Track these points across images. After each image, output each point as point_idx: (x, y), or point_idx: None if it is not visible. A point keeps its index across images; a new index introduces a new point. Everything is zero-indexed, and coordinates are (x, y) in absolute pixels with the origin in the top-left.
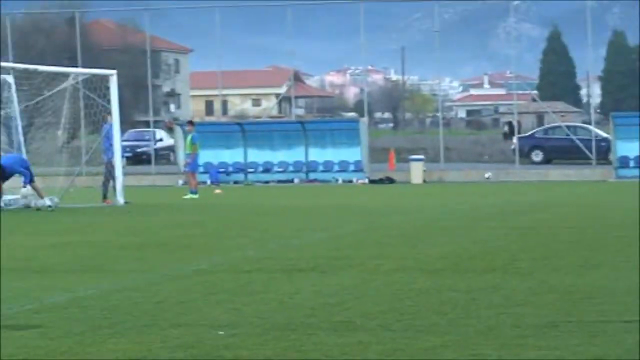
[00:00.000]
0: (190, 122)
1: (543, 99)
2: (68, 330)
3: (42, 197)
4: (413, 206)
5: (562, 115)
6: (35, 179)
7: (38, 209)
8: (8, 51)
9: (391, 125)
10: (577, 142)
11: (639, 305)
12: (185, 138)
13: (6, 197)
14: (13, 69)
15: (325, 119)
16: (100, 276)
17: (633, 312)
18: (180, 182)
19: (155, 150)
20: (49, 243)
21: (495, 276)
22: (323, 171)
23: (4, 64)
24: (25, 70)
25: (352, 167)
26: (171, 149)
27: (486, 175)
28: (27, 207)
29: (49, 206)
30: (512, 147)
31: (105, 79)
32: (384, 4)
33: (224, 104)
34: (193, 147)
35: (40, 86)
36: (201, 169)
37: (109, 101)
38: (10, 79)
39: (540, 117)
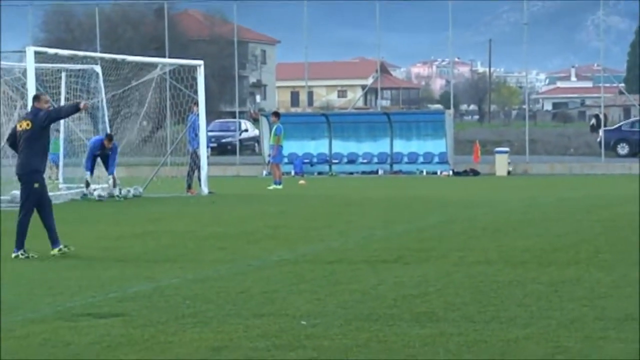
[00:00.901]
0: (275, 113)
1: (630, 91)
2: (151, 318)
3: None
4: (497, 199)
5: None
6: (122, 168)
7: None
8: (96, 41)
9: (477, 117)
10: None
11: None
12: (270, 129)
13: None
14: (101, 59)
15: (411, 110)
16: (183, 266)
17: None
18: (265, 172)
19: (240, 140)
20: (133, 232)
21: (578, 269)
22: (407, 163)
23: (92, 54)
24: (113, 60)
25: (436, 159)
26: (256, 139)
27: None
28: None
29: (117, 196)
30: (598, 139)
31: (192, 69)
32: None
33: (310, 95)
34: (276, 139)
35: (128, 76)
36: (286, 160)
37: (195, 91)
38: (98, 68)
39: (627, 110)
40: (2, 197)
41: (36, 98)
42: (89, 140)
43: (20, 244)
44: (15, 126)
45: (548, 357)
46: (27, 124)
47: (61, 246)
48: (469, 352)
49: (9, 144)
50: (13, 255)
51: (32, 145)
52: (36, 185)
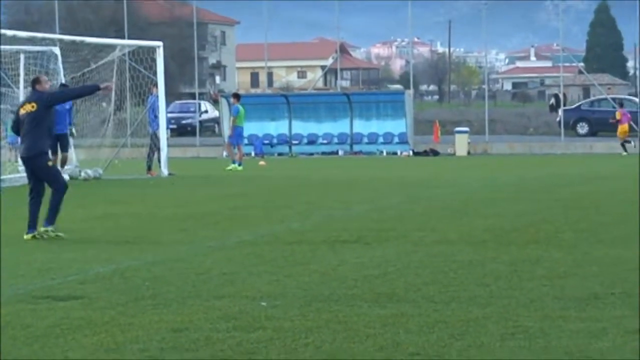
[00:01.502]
0: (235, 95)
1: (589, 71)
2: (111, 301)
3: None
4: (457, 179)
5: (609, 88)
6: (81, 150)
7: None
8: (55, 24)
9: (436, 97)
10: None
11: None
12: (229, 110)
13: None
14: (60, 40)
15: (371, 91)
16: (143, 247)
17: None
18: (225, 154)
19: (200, 122)
20: (93, 215)
21: (538, 248)
22: (367, 143)
23: (50, 35)
24: (72, 42)
25: (396, 140)
26: (216, 120)
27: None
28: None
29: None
30: (558, 119)
31: (151, 50)
32: None
33: (270, 76)
34: (235, 119)
35: (87, 58)
36: (246, 141)
37: (155, 73)
38: (56, 50)
39: (586, 90)
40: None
41: (36, 81)
42: None
43: (53, 219)
44: (18, 110)
45: (508, 336)
46: (32, 106)
47: (50, 228)
48: (430, 333)
49: (13, 131)
50: (42, 229)
51: (39, 127)
52: (51, 162)
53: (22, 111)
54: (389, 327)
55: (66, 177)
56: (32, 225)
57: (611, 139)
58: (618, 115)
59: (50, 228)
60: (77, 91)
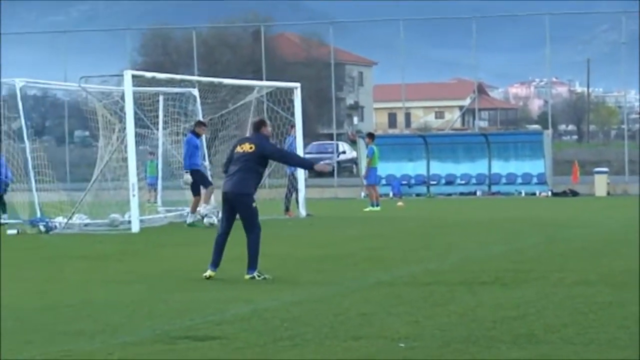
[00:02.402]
0: (370, 135)
1: None
2: (249, 341)
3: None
4: (596, 219)
5: None
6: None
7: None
8: (193, 64)
9: (575, 137)
10: None
11: None
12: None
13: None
14: (198, 82)
15: (509, 131)
16: (281, 288)
17: None
18: (363, 194)
19: (338, 162)
20: (232, 255)
21: None
22: (506, 184)
23: (189, 77)
24: (211, 83)
25: (535, 180)
26: (354, 161)
27: None
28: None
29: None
30: None
31: (289, 91)
32: (570, 16)
33: (407, 116)
34: (370, 160)
35: (225, 99)
36: (383, 182)
37: (292, 114)
38: (195, 92)
39: None
40: (100, 221)
41: (262, 123)
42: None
43: (255, 264)
44: (235, 147)
45: None
46: (251, 147)
47: (254, 274)
48: None
49: (224, 169)
50: (247, 276)
51: (251, 168)
52: (255, 205)
53: (239, 149)
54: None
55: (213, 219)
56: (215, 263)
57: None
58: None
59: (254, 274)
60: (295, 159)
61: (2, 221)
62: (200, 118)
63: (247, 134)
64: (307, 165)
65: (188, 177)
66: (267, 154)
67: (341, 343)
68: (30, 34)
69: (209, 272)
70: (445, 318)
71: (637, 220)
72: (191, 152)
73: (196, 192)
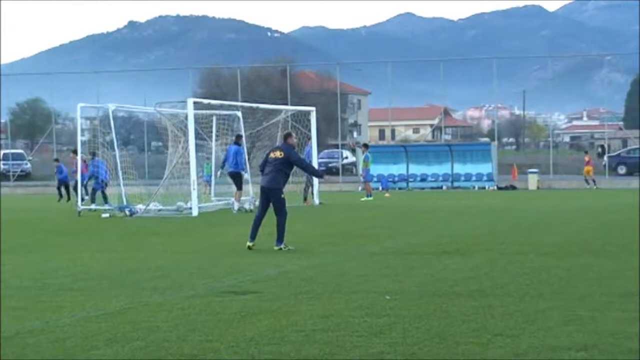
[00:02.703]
0: (365, 145)
1: (627, 128)
2: (277, 295)
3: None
4: (530, 206)
5: None
6: (254, 186)
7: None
8: (238, 93)
9: (514, 147)
10: None
11: None
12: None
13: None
14: (241, 106)
15: (466, 142)
16: (301, 256)
17: None
18: (360, 188)
19: (342, 165)
20: (265, 232)
21: (589, 258)
22: (464, 180)
23: (234, 103)
24: (250, 107)
25: (485, 178)
26: (354, 164)
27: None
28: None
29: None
30: (604, 163)
31: (307, 113)
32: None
33: (393, 131)
34: (365, 164)
35: (260, 119)
36: (375, 179)
37: (309, 130)
38: (239, 113)
39: (624, 141)
40: (169, 207)
41: (289, 135)
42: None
43: (282, 239)
44: (269, 153)
45: (567, 322)
46: (280, 154)
47: (282, 246)
48: (509, 319)
49: (260, 169)
50: (276, 247)
51: (280, 169)
52: (283, 196)
53: (271, 155)
54: (479, 315)
55: (247, 205)
56: (253, 236)
57: None
58: (586, 159)
59: (282, 246)
60: (310, 169)
61: (107, 207)
62: (242, 133)
63: (277, 144)
64: (317, 175)
65: (246, 175)
66: (292, 160)
67: (344, 296)
68: (120, 72)
69: (248, 243)
70: (420, 278)
71: (558, 207)
72: (232, 157)
73: (239, 187)
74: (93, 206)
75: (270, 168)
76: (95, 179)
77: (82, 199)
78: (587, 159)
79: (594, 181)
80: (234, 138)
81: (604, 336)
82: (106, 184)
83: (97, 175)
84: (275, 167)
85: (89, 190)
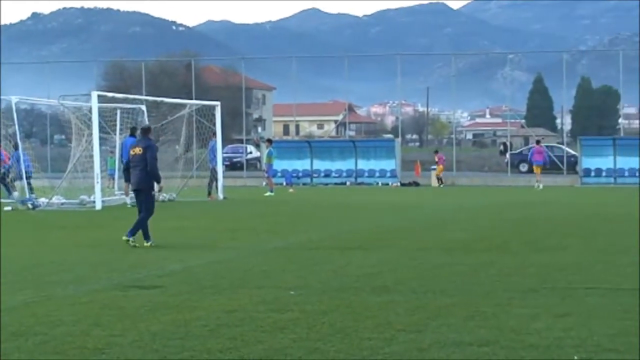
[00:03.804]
0: (269, 140)
1: (529, 126)
2: (181, 289)
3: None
4: (433, 203)
5: (542, 138)
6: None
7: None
8: (142, 87)
9: (418, 143)
10: (553, 157)
11: (599, 276)
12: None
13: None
14: (145, 100)
15: (370, 138)
16: (205, 251)
17: (594, 281)
18: (264, 183)
19: (246, 160)
20: (169, 227)
21: (492, 254)
22: (368, 177)
23: (139, 96)
24: (154, 101)
25: (388, 174)
26: (258, 159)
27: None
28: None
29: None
30: (506, 160)
31: (212, 108)
32: (415, 56)
33: (297, 127)
34: (269, 159)
35: (165, 113)
36: (279, 174)
37: (214, 124)
38: (143, 107)
39: (526, 139)
40: (72, 201)
41: (148, 130)
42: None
43: (147, 236)
44: (130, 152)
45: (469, 318)
46: (139, 150)
47: (131, 238)
48: (412, 315)
49: (124, 169)
50: (125, 237)
51: (145, 167)
52: (153, 193)
53: (131, 152)
54: (382, 311)
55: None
56: (147, 237)
57: (544, 175)
58: (436, 158)
59: (131, 238)
60: (154, 171)
61: (10, 200)
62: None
63: (181, 139)
64: (158, 181)
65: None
66: (147, 157)
67: (248, 291)
68: (23, 64)
69: (146, 244)
70: (324, 274)
71: (461, 204)
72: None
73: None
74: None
75: (134, 165)
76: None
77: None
78: (436, 158)
79: (440, 180)
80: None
81: (505, 332)
82: (29, 176)
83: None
84: (140, 164)
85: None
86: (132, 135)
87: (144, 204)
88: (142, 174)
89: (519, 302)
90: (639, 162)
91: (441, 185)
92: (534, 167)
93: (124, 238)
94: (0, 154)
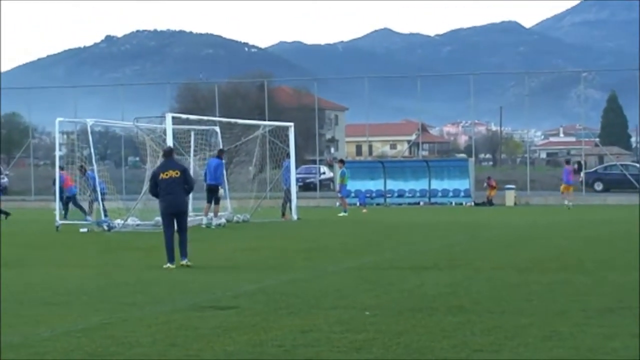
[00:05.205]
0: (341, 161)
1: (603, 144)
2: (256, 310)
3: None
4: (507, 222)
5: (617, 157)
6: (235, 200)
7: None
8: (215, 109)
9: (491, 163)
10: (628, 176)
11: None
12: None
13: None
14: (219, 121)
15: (443, 158)
16: (279, 271)
17: None
18: (337, 204)
19: (320, 180)
20: (243, 247)
21: (567, 273)
22: (441, 196)
23: (212, 118)
24: (228, 123)
25: (462, 194)
26: (331, 179)
27: (566, 204)
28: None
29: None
30: (580, 179)
31: (285, 129)
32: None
33: (370, 147)
34: (341, 179)
35: (238, 134)
36: (352, 195)
37: (287, 145)
38: (217, 129)
39: (600, 158)
40: (147, 222)
41: (172, 151)
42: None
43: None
44: (159, 173)
45: (547, 338)
46: (176, 173)
47: (185, 261)
48: (489, 335)
49: (153, 190)
50: (183, 262)
51: (184, 188)
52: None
53: (166, 174)
54: (459, 331)
55: (223, 221)
56: (171, 259)
57: (619, 194)
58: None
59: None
60: (191, 184)
61: (86, 222)
62: (221, 147)
63: (254, 160)
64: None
65: (221, 191)
66: (188, 179)
67: (323, 311)
68: (97, 87)
69: (170, 265)
70: (398, 294)
71: (536, 223)
72: (213, 170)
73: (217, 201)
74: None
75: (172, 187)
76: (71, 194)
77: (65, 214)
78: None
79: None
80: (215, 152)
81: (582, 351)
82: (73, 196)
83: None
84: (179, 186)
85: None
86: (219, 157)
87: (183, 224)
88: (183, 196)
89: (596, 321)
90: None
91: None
92: (564, 186)
93: (182, 263)
94: (62, 177)
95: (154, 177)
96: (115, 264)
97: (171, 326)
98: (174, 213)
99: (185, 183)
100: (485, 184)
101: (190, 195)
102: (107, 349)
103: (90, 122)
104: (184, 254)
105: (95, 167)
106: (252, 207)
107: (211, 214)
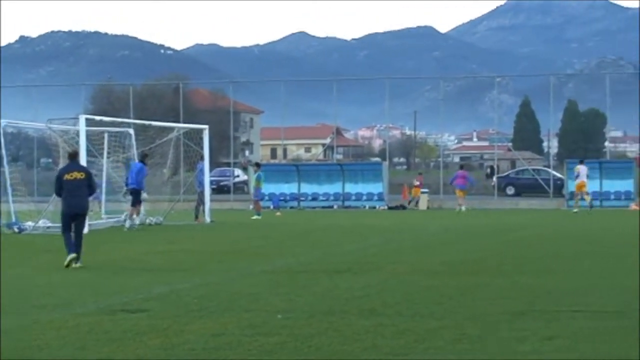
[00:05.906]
0: (257, 164)
1: (515, 149)
2: (168, 313)
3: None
4: (420, 226)
5: (529, 161)
6: (148, 203)
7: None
8: (130, 110)
9: (405, 167)
10: (540, 180)
11: (584, 299)
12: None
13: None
14: (133, 124)
15: (357, 162)
16: (192, 274)
17: (580, 304)
18: (251, 207)
19: (234, 183)
20: (156, 250)
21: (479, 277)
22: (355, 200)
23: (126, 120)
24: (142, 125)
25: (376, 197)
26: (245, 182)
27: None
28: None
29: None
30: (492, 183)
31: (199, 131)
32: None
33: (285, 150)
34: (257, 182)
35: (153, 136)
36: (266, 198)
37: (202, 148)
38: (131, 131)
39: (513, 162)
40: (59, 225)
41: (76, 154)
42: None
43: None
44: (64, 174)
45: (457, 341)
46: (81, 174)
47: (76, 261)
48: (400, 338)
49: (58, 192)
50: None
51: (86, 191)
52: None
53: (71, 175)
54: (370, 334)
55: (137, 222)
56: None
57: (531, 198)
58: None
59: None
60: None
61: None
62: (135, 151)
63: (168, 162)
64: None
65: (145, 195)
66: (91, 181)
67: (235, 315)
68: (10, 87)
69: (70, 258)
70: (311, 297)
71: (448, 227)
72: (135, 174)
73: (137, 204)
74: None
75: (76, 189)
76: None
77: None
78: (417, 182)
79: (416, 202)
80: (127, 155)
81: (492, 355)
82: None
83: None
84: (82, 188)
85: None
86: (142, 161)
87: (82, 226)
88: (86, 198)
89: (506, 325)
90: (633, 185)
91: (414, 207)
92: (457, 191)
93: (70, 257)
94: None
95: (59, 178)
96: (25, 266)
97: (81, 329)
98: (76, 214)
99: (89, 185)
100: (416, 182)
101: (103, 198)
102: (15, 352)
103: (2, 123)
104: (77, 255)
105: (6, 168)
106: (166, 210)
107: (127, 213)
